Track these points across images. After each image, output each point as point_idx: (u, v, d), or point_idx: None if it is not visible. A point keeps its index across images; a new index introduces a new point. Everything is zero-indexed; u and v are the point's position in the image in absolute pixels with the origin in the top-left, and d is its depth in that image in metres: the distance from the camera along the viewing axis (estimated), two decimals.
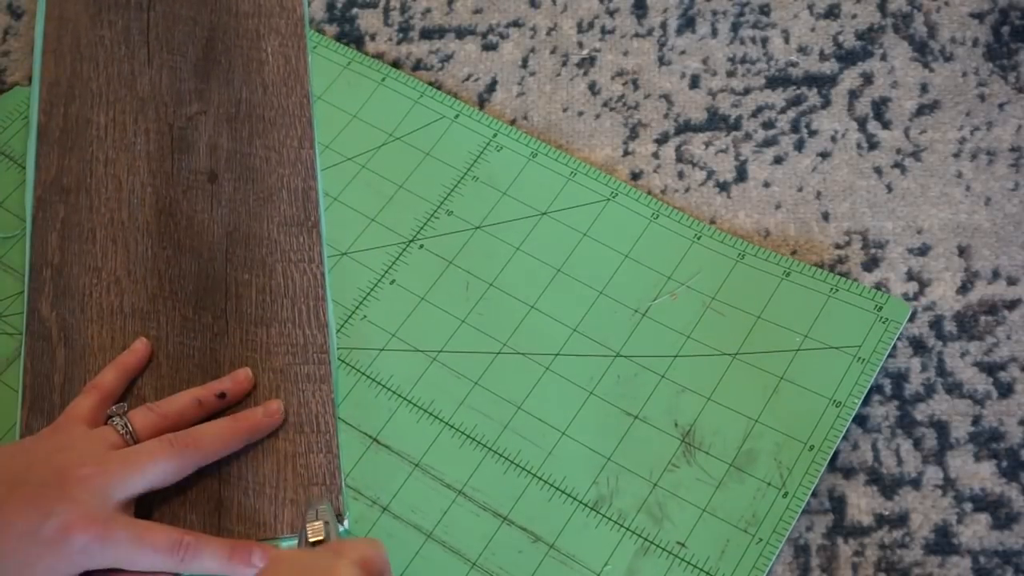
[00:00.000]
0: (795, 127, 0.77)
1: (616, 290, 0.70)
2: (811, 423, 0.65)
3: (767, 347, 0.67)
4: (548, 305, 0.70)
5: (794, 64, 0.79)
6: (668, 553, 0.62)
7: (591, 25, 0.82)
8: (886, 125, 0.76)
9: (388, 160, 0.76)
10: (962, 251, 0.71)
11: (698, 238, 0.72)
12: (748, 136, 0.77)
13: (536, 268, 0.71)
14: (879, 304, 0.68)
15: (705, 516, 0.63)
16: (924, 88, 0.78)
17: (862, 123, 0.76)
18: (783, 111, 0.77)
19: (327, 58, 0.81)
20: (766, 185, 0.75)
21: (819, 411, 0.65)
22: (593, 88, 0.79)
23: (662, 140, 0.77)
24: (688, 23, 0.82)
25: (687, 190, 0.75)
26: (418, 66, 0.81)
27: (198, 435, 0.63)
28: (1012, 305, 0.69)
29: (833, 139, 0.76)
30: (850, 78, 0.78)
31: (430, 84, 0.80)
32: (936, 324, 0.69)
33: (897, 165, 0.75)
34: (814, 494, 0.64)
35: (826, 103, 0.77)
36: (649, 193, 0.75)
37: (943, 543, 0.62)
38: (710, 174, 0.75)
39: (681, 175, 0.75)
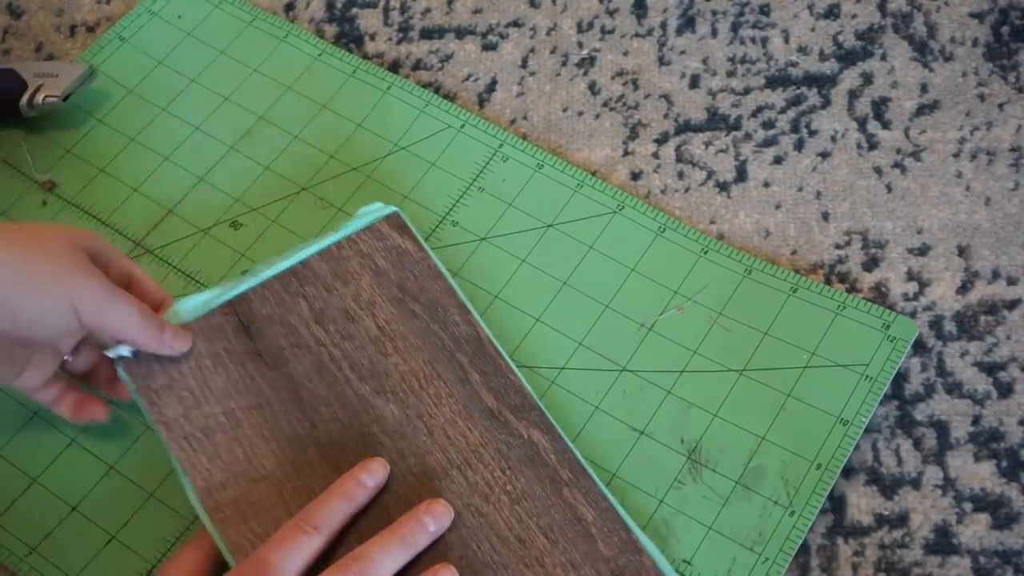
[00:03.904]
0: (795, 127, 0.77)
1: (622, 304, 0.70)
2: (818, 441, 0.65)
3: (774, 364, 0.67)
4: (553, 318, 0.70)
5: (794, 64, 0.79)
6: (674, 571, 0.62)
7: (591, 25, 0.82)
8: (886, 125, 0.76)
9: (393, 170, 0.76)
10: (962, 251, 0.72)
11: (705, 252, 0.72)
12: (748, 136, 0.77)
13: (541, 281, 0.71)
14: (886, 322, 0.68)
15: (711, 534, 0.63)
16: (924, 88, 0.78)
17: (862, 123, 0.77)
18: (783, 111, 0.77)
19: (332, 66, 0.81)
20: (766, 185, 0.75)
21: (826, 429, 0.65)
22: (593, 88, 0.79)
23: (662, 140, 0.77)
24: (688, 23, 0.82)
25: (687, 190, 0.75)
26: (418, 66, 0.81)
27: (369, 557, 0.56)
28: (1012, 305, 0.70)
29: (833, 139, 0.76)
30: (850, 78, 0.78)
31: (430, 84, 0.80)
32: (936, 324, 0.69)
33: (897, 165, 0.75)
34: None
35: (826, 103, 0.78)
36: (649, 193, 0.75)
37: (943, 543, 0.63)
38: (710, 174, 0.75)
39: (681, 175, 0.76)
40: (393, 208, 0.68)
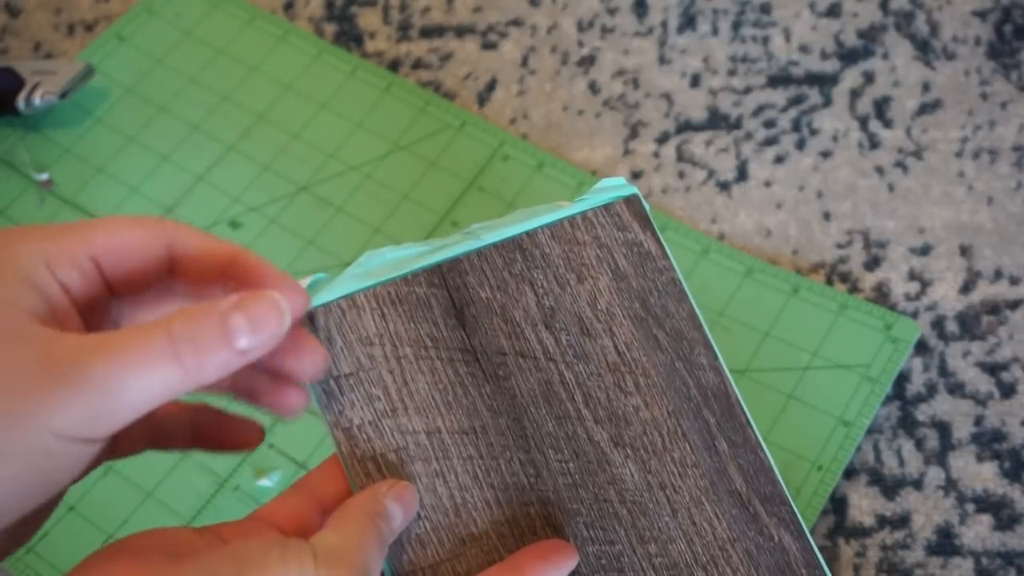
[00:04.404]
0: (796, 126, 0.77)
1: None
2: (819, 443, 0.65)
3: (775, 365, 0.67)
4: None
5: (795, 63, 0.79)
6: None
7: (591, 24, 0.82)
8: (888, 124, 0.76)
9: (392, 170, 0.76)
10: (964, 251, 0.71)
11: (706, 253, 0.71)
12: (749, 135, 0.76)
13: None
14: (888, 323, 0.68)
15: None
16: (926, 87, 0.77)
17: (863, 122, 0.76)
18: (784, 110, 0.77)
19: (332, 65, 0.81)
20: (767, 184, 0.75)
21: (828, 430, 0.65)
22: (593, 87, 0.79)
23: (662, 139, 0.77)
24: (689, 22, 0.81)
25: (687, 189, 0.75)
26: (418, 65, 0.81)
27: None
28: (1014, 305, 0.69)
29: (834, 138, 0.76)
30: (851, 77, 0.78)
31: (429, 83, 0.80)
32: (938, 324, 0.69)
33: (899, 164, 0.75)
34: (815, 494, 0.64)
35: (827, 102, 0.77)
36: (649, 193, 0.75)
37: (945, 544, 0.63)
38: (711, 173, 0.75)
39: (681, 175, 0.75)
40: (634, 189, 0.53)
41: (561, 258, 0.51)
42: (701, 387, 0.51)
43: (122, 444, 0.43)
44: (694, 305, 0.53)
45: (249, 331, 0.39)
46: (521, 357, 0.50)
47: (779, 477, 0.51)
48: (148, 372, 0.37)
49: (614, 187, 0.53)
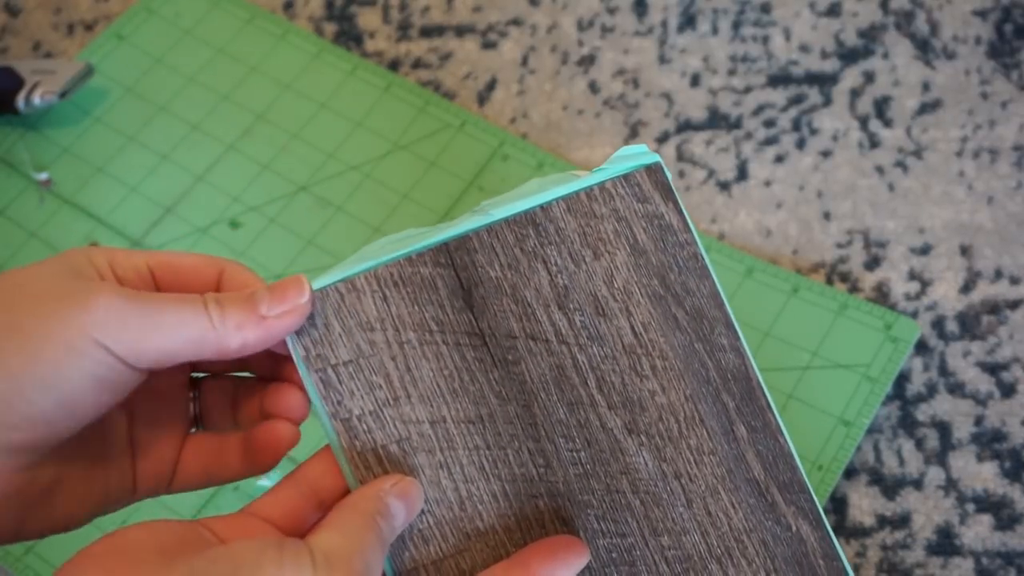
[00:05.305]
0: (796, 126, 0.77)
1: None
2: (820, 442, 0.65)
3: (775, 364, 0.67)
4: None
5: (795, 63, 0.79)
6: None
7: (591, 23, 0.82)
8: (888, 124, 0.76)
9: (392, 169, 0.76)
10: (964, 250, 0.71)
11: (706, 252, 0.71)
12: (749, 135, 0.76)
13: None
14: (888, 323, 0.68)
15: None
16: (926, 86, 0.77)
17: (864, 122, 0.76)
18: (784, 110, 0.77)
19: (331, 65, 0.81)
20: (767, 184, 0.75)
21: (828, 430, 0.65)
22: (593, 87, 0.79)
23: (662, 139, 0.77)
24: (689, 21, 0.81)
25: (688, 189, 0.75)
26: (417, 64, 0.81)
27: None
28: (1015, 305, 0.69)
29: (834, 138, 0.76)
30: (851, 76, 0.78)
31: (429, 83, 0.80)
32: (938, 324, 0.69)
33: (899, 164, 0.75)
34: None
35: (827, 102, 0.77)
36: None
37: (945, 544, 0.63)
38: (711, 173, 0.75)
39: (682, 174, 0.75)
40: (656, 157, 0.50)
41: (577, 233, 0.48)
42: (721, 369, 0.49)
43: (182, 476, 0.49)
44: (716, 281, 0.50)
45: (270, 300, 0.43)
46: (532, 340, 0.47)
47: (799, 464, 0.49)
48: (180, 313, 0.42)
49: (635, 155, 0.50)
